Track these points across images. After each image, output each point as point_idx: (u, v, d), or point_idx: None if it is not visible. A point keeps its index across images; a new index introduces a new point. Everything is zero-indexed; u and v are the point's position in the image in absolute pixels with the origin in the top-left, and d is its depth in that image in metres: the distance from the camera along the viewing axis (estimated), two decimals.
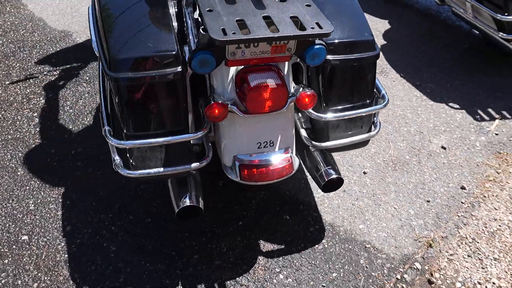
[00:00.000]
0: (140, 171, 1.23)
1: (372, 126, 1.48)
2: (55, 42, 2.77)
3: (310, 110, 1.34)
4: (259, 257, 1.59)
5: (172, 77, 1.18)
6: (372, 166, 1.97)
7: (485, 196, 1.83)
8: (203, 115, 1.30)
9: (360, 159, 2.00)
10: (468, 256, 1.59)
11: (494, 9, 2.18)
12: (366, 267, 1.57)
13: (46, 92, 2.37)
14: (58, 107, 2.27)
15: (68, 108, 2.26)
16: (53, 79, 2.47)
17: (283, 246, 1.63)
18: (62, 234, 1.65)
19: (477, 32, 2.89)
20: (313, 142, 1.41)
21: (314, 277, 1.53)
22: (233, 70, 1.26)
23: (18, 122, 2.17)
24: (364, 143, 1.50)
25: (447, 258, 1.59)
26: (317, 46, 1.20)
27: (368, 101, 1.42)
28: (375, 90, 1.45)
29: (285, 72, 1.30)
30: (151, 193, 1.81)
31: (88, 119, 2.19)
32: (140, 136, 1.21)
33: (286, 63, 1.31)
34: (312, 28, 1.06)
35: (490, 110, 2.31)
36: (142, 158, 1.25)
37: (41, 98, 2.32)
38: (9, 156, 1.98)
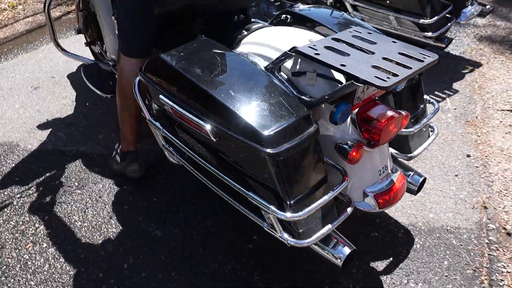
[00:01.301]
0: (316, 235, 1.20)
1: (430, 128, 1.74)
2: (4, 158, 2.31)
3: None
4: (381, 277, 1.66)
5: (315, 136, 1.21)
6: None
7: (486, 156, 2.27)
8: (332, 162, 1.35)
9: None
10: None
11: (414, 16, 2.74)
12: (460, 245, 1.78)
13: (37, 216, 1.96)
14: (66, 227, 1.91)
15: (79, 223, 1.93)
16: (34, 199, 2.06)
17: (391, 259, 1.73)
18: None
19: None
20: (407, 155, 1.58)
21: (434, 272, 1.67)
22: None
23: (29, 263, 1.75)
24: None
25: (504, 212, 1.93)
26: None
27: (422, 106, 1.68)
28: None
29: None
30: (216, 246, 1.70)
31: (113, 225, 1.91)
32: (300, 201, 1.19)
33: None
34: (425, 58, 1.24)
35: (437, 92, 2.85)
36: (306, 223, 1.22)
37: (36, 225, 1.92)
38: None
